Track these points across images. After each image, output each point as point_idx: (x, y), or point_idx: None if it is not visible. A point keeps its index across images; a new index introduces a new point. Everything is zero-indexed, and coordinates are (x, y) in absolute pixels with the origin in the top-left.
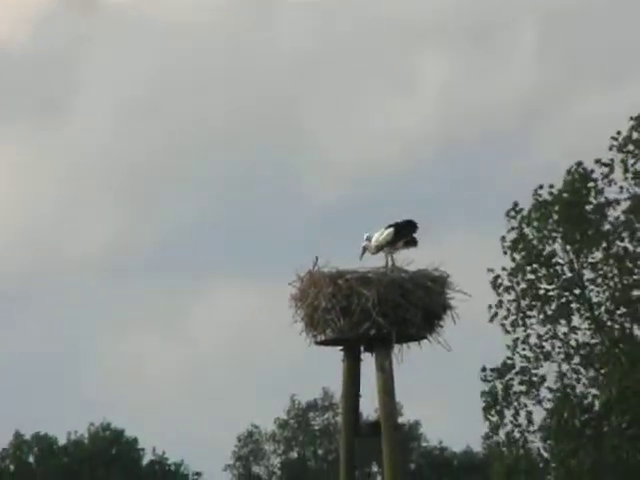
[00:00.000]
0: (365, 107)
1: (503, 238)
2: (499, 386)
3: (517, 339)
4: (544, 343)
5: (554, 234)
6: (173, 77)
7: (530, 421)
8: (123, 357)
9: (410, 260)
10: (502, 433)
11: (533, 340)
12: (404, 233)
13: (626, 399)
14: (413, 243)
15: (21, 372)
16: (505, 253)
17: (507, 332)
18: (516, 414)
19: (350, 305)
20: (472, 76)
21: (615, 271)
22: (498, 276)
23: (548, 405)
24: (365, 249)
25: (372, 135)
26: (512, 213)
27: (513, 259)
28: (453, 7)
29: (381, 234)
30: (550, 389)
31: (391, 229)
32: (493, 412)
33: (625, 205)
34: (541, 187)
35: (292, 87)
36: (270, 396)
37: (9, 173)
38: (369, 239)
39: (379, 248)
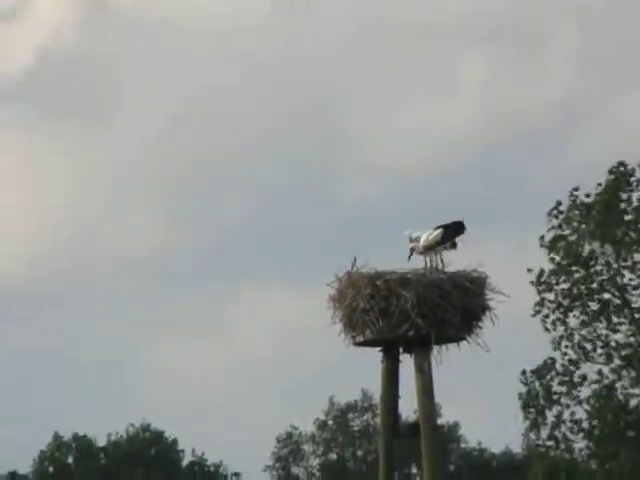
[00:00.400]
0: (405, 108)
1: (542, 237)
2: (538, 387)
3: (561, 337)
4: (585, 343)
5: (592, 235)
6: (218, 81)
7: (574, 422)
8: (163, 359)
9: (449, 261)
10: (544, 433)
11: (575, 339)
12: (452, 234)
13: None
14: (453, 246)
15: (62, 374)
16: (547, 251)
17: (547, 330)
18: (560, 415)
19: (389, 306)
20: (512, 77)
21: None
22: (542, 271)
23: (588, 406)
24: (413, 250)
25: (410, 135)
26: (554, 212)
27: (552, 259)
28: (489, 7)
29: (430, 234)
30: (591, 389)
31: (440, 230)
32: (532, 411)
33: None
34: (576, 189)
35: (334, 88)
36: (309, 398)
37: (57, 177)
38: (417, 239)
39: (428, 248)
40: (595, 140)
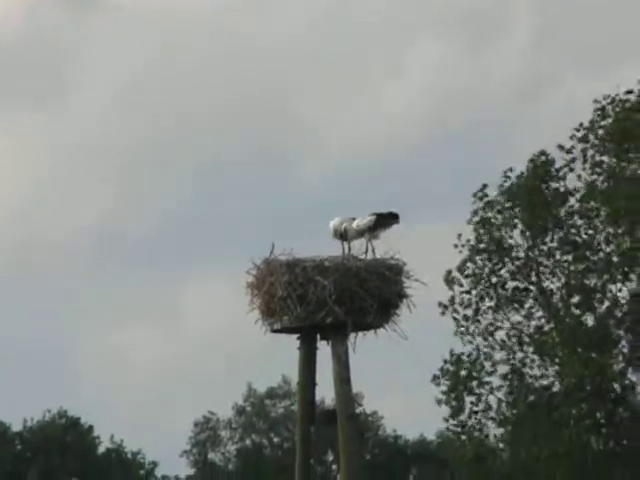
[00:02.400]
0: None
1: (470, 221)
2: (461, 373)
3: (472, 331)
4: (497, 332)
5: (515, 220)
6: (171, 62)
7: (485, 410)
8: (85, 344)
9: (371, 247)
10: (457, 420)
11: (487, 329)
12: (384, 223)
13: (583, 388)
14: (395, 219)
15: None
16: (459, 246)
17: (460, 327)
18: (478, 401)
19: (306, 293)
20: (463, 60)
21: (570, 258)
22: (450, 271)
23: (500, 394)
24: (346, 231)
25: (361, 119)
26: (480, 194)
27: (472, 247)
28: None
29: (363, 220)
30: (503, 377)
31: (373, 217)
32: (453, 396)
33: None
34: (511, 170)
35: (286, 74)
36: (228, 384)
37: (6, 156)
38: (345, 228)
39: (360, 233)
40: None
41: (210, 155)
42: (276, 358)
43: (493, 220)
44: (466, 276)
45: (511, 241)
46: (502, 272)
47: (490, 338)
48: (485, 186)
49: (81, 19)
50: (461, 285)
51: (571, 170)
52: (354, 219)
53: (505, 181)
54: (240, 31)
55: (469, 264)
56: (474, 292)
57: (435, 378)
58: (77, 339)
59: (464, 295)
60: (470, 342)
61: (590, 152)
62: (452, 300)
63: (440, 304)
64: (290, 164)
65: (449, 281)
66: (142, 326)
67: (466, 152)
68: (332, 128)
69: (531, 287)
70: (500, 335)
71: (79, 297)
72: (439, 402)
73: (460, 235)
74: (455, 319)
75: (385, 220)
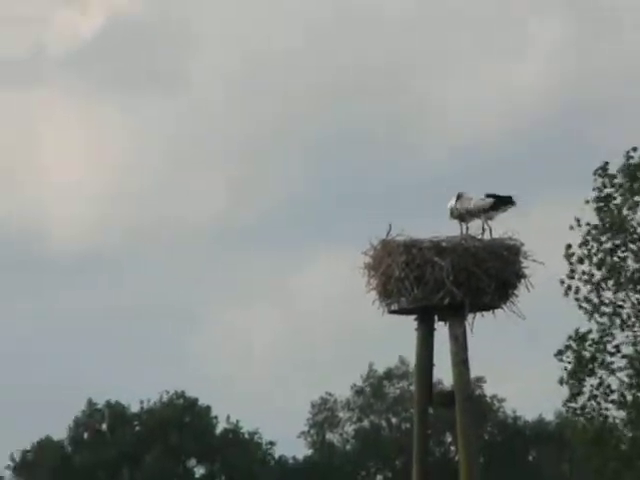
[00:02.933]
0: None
1: (587, 202)
2: (586, 353)
3: (594, 308)
4: (620, 310)
5: (637, 199)
6: (284, 42)
7: (607, 392)
8: (202, 326)
9: (486, 229)
10: (580, 402)
11: (609, 309)
12: (501, 206)
13: None
14: (511, 203)
15: (97, 339)
16: (595, 212)
17: (580, 307)
18: (600, 384)
19: (424, 274)
20: (582, 43)
21: None
22: (570, 246)
23: (623, 375)
24: (465, 211)
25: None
26: (600, 172)
27: (594, 227)
28: None
29: (479, 200)
30: (626, 356)
31: (491, 199)
32: (575, 380)
33: None
34: (634, 149)
35: (401, 51)
36: (345, 365)
37: (121, 141)
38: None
39: (470, 213)
40: None
41: (330, 133)
42: (394, 339)
43: (614, 198)
44: (588, 255)
45: (633, 222)
46: (624, 253)
47: (613, 317)
48: (607, 164)
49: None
50: (581, 261)
51: None
52: (471, 199)
53: (628, 160)
54: (367, 3)
55: (591, 242)
56: (596, 272)
57: (559, 353)
58: (196, 318)
59: (585, 271)
60: (593, 317)
61: None
62: (571, 274)
63: (562, 282)
64: (410, 141)
65: (569, 256)
66: (261, 306)
67: (594, 130)
68: (456, 105)
69: None
70: (623, 315)
71: (198, 278)
72: (561, 381)
73: (578, 220)
74: (576, 296)
75: (502, 203)
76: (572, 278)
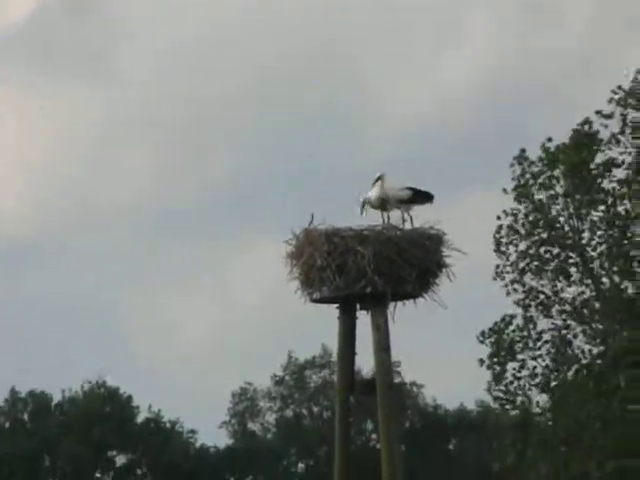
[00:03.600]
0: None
1: (505, 190)
2: (501, 341)
3: (525, 296)
4: (545, 300)
5: (555, 186)
6: (220, 25)
7: (532, 376)
8: (123, 312)
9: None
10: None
11: (538, 297)
12: (418, 200)
13: (631, 353)
14: (429, 199)
15: (21, 327)
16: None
17: (508, 294)
18: (521, 367)
19: (346, 263)
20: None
21: (615, 231)
22: (501, 226)
23: (543, 361)
24: (365, 203)
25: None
26: (518, 160)
27: (516, 212)
28: None
29: (400, 190)
30: (547, 342)
31: (410, 192)
32: (495, 362)
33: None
34: (550, 140)
35: (349, 39)
36: (268, 354)
37: (49, 125)
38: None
39: (384, 201)
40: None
41: (267, 117)
42: (316, 328)
43: (532, 185)
44: (514, 235)
45: (552, 210)
46: (543, 238)
47: (534, 303)
48: (524, 151)
49: None
50: (508, 248)
51: (617, 142)
52: (392, 188)
53: (546, 149)
54: None
55: (518, 222)
56: (522, 263)
57: (482, 335)
58: (117, 306)
59: (511, 255)
60: (517, 303)
61: (631, 115)
62: (504, 256)
63: (497, 266)
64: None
65: (498, 239)
66: (180, 295)
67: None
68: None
69: (572, 254)
70: (543, 301)
71: (121, 266)
72: (481, 362)
73: (505, 212)
74: (500, 278)
75: (420, 197)
76: (506, 260)
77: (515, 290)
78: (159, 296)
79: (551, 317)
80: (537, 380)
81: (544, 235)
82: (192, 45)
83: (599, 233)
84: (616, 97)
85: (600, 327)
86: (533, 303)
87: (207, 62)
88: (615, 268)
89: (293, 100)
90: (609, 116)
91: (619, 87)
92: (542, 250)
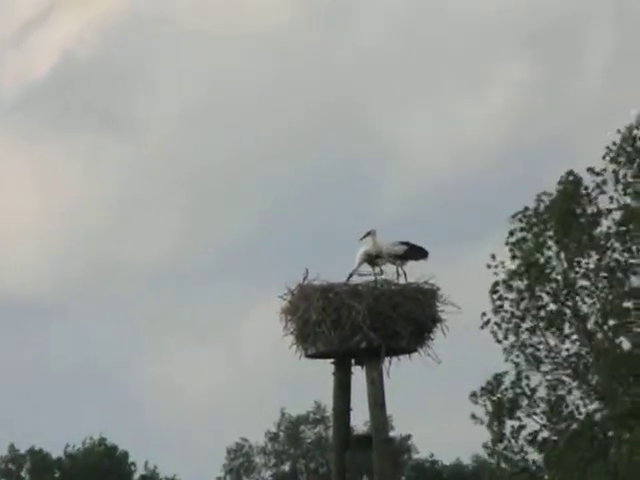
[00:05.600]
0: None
1: (507, 243)
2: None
3: (512, 346)
4: (536, 353)
5: (549, 242)
6: (235, 83)
7: (531, 434)
8: (115, 371)
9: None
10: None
11: (528, 350)
12: (413, 256)
13: (632, 415)
14: (424, 255)
15: (21, 383)
16: (510, 253)
17: (498, 341)
18: (520, 428)
19: (340, 318)
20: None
21: (605, 282)
22: (497, 283)
23: (540, 418)
24: (369, 234)
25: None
26: (519, 216)
27: (513, 258)
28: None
29: (394, 245)
30: (543, 399)
31: (405, 247)
32: (496, 423)
33: (617, 215)
34: (545, 193)
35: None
36: (261, 410)
37: (71, 181)
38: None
39: (378, 254)
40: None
41: (285, 176)
42: (310, 383)
43: (528, 241)
44: (509, 290)
45: (544, 262)
46: (539, 293)
47: (530, 358)
48: (527, 209)
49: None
50: (503, 300)
51: (602, 192)
52: (385, 242)
53: (538, 204)
54: (319, 46)
55: (513, 282)
56: (517, 312)
57: (473, 395)
58: (113, 365)
59: (506, 310)
60: (510, 356)
61: (622, 172)
62: (496, 310)
63: (483, 314)
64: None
65: (494, 292)
66: (173, 352)
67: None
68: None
69: (566, 310)
70: (538, 357)
71: (120, 326)
72: (474, 418)
73: (494, 255)
74: (494, 333)
75: (415, 253)
76: (497, 312)
77: (506, 338)
78: (146, 354)
79: (545, 373)
80: (533, 437)
81: (537, 288)
82: (206, 105)
83: (591, 286)
84: (610, 155)
85: (596, 382)
86: (523, 356)
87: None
88: (610, 322)
89: (311, 155)
90: (600, 173)
91: (614, 143)
92: (536, 305)
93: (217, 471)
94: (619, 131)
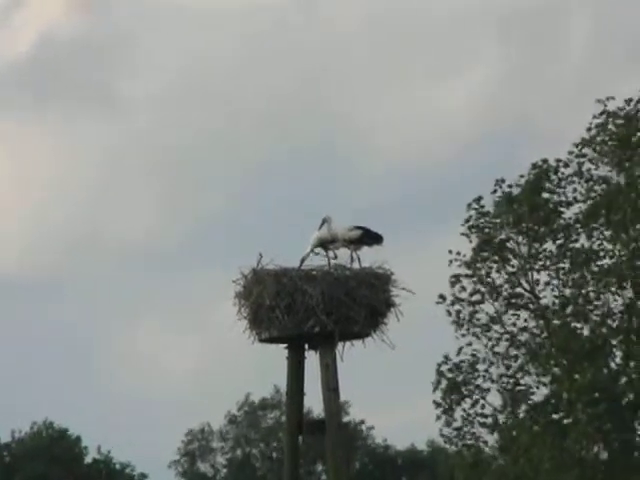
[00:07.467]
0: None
1: (466, 223)
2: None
3: (468, 329)
4: (492, 334)
5: (512, 227)
6: (212, 63)
7: (482, 415)
8: (75, 355)
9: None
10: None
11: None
12: (368, 242)
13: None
14: (379, 241)
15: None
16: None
17: (458, 325)
18: (473, 405)
19: (294, 303)
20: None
21: (567, 267)
22: (458, 276)
23: (495, 399)
24: (325, 221)
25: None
26: (474, 205)
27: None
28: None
29: (349, 229)
30: (494, 381)
31: (360, 232)
32: (448, 400)
33: (578, 206)
34: (503, 180)
35: (332, 69)
36: (227, 395)
37: (48, 158)
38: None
39: (334, 238)
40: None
41: (264, 154)
42: (269, 368)
43: (486, 225)
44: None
45: (509, 245)
46: (500, 275)
47: (485, 340)
48: (481, 198)
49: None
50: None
51: (567, 182)
52: (340, 228)
53: (496, 191)
54: (294, 28)
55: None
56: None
57: (437, 382)
58: (76, 347)
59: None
60: (464, 337)
61: (586, 166)
62: (455, 298)
63: (441, 296)
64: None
65: (454, 282)
66: (131, 332)
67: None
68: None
69: (526, 293)
70: (493, 338)
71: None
72: (437, 405)
73: (451, 252)
74: (449, 312)
75: (370, 238)
76: (455, 302)
77: (464, 325)
78: (103, 332)
79: (499, 354)
80: (486, 420)
81: (494, 267)
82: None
83: (551, 267)
84: (577, 149)
85: (552, 365)
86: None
87: (207, 98)
88: (568, 310)
89: (293, 133)
90: (566, 164)
91: (583, 139)
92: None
93: (173, 455)
94: (595, 116)
